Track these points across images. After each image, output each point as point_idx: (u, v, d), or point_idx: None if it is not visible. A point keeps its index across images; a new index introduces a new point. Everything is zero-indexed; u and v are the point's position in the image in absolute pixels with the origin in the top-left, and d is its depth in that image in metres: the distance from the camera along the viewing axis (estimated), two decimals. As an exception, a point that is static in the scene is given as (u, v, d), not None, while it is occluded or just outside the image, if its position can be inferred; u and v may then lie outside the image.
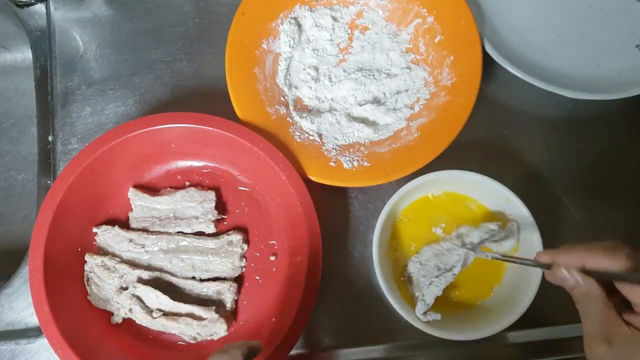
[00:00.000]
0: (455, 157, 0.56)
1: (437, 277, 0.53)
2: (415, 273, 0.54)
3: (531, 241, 0.53)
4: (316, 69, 0.63)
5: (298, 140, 0.58)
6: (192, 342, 0.54)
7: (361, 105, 0.61)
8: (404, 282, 0.55)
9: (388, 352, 0.56)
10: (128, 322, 0.55)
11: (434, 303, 0.52)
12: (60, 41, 0.65)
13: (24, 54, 0.73)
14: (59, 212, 0.52)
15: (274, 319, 0.53)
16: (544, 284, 0.51)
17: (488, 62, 0.60)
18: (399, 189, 0.54)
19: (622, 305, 0.39)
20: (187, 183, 0.59)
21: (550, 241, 0.53)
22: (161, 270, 0.55)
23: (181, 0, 0.66)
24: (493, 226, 0.53)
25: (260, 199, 0.58)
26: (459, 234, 0.54)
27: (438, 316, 0.52)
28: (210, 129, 0.54)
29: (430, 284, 0.52)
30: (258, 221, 0.58)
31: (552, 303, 0.57)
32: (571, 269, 0.41)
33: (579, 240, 0.59)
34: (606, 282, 0.39)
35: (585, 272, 0.40)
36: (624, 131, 0.63)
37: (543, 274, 0.51)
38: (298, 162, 0.56)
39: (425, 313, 0.52)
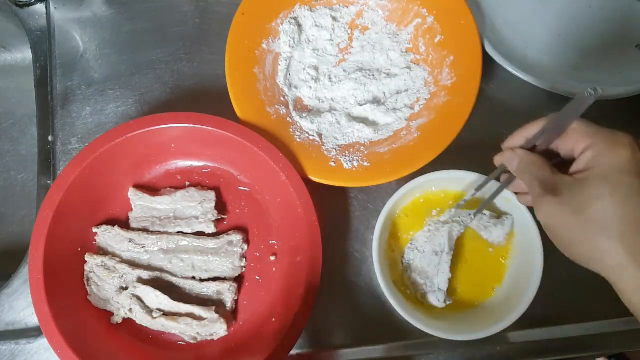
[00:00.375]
0: (455, 157, 0.56)
1: (439, 263, 0.53)
2: (416, 261, 0.55)
3: (531, 240, 0.53)
4: (316, 69, 0.63)
5: (298, 140, 0.58)
6: (192, 342, 0.54)
7: (361, 105, 0.61)
8: (403, 278, 0.55)
9: (388, 352, 0.56)
10: (128, 322, 0.55)
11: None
12: (60, 41, 0.65)
13: (24, 54, 0.73)
14: (59, 212, 0.52)
15: (274, 319, 0.53)
16: (544, 284, 0.52)
17: (488, 62, 0.60)
18: (399, 189, 0.54)
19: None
20: (187, 183, 0.59)
21: (550, 241, 0.52)
22: (161, 270, 0.55)
23: (181, 0, 0.66)
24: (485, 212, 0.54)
25: (260, 199, 0.58)
26: (450, 214, 0.55)
27: (450, 300, 0.54)
28: (210, 129, 0.54)
29: (438, 272, 0.53)
30: (258, 221, 0.58)
31: (552, 303, 0.57)
32: (515, 149, 0.44)
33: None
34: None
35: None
36: (623, 131, 0.63)
37: (543, 276, 0.51)
38: (298, 162, 0.56)
39: (444, 300, 0.53)
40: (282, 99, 0.62)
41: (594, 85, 0.41)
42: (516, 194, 0.50)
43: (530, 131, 0.44)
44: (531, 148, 0.44)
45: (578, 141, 0.40)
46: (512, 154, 0.44)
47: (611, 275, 0.37)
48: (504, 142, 0.46)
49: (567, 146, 0.41)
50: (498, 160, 0.47)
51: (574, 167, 0.40)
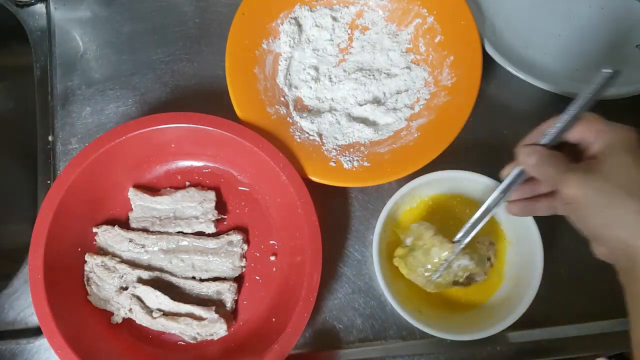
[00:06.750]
0: (455, 157, 0.56)
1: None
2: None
3: (531, 241, 0.53)
4: (316, 69, 0.63)
5: (298, 140, 0.58)
6: (192, 342, 0.54)
7: (361, 105, 0.61)
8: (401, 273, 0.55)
9: (388, 352, 0.56)
10: (128, 322, 0.55)
11: (433, 302, 0.53)
12: (60, 41, 0.65)
13: (24, 54, 0.73)
14: (59, 212, 0.52)
15: (274, 319, 0.53)
16: (544, 284, 0.52)
17: (488, 62, 0.60)
18: (399, 189, 0.54)
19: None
20: (187, 183, 0.59)
21: (549, 240, 0.53)
22: (161, 270, 0.55)
23: (181, 0, 0.66)
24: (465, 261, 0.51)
25: (260, 199, 0.58)
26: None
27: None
28: (210, 129, 0.54)
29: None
30: (258, 221, 0.58)
31: (552, 303, 0.57)
32: (531, 145, 0.44)
33: (579, 241, 0.59)
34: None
35: None
36: (624, 131, 0.63)
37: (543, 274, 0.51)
38: (298, 162, 0.56)
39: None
40: (282, 99, 0.62)
41: (608, 70, 0.43)
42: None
43: (543, 128, 0.44)
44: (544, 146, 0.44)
45: (589, 128, 0.42)
46: (530, 149, 0.44)
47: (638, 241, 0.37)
48: (517, 145, 0.45)
49: (576, 135, 0.43)
50: (509, 168, 0.47)
51: (591, 151, 0.42)
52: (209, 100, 0.62)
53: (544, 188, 0.46)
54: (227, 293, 0.54)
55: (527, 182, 0.47)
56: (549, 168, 0.42)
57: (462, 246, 0.50)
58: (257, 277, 0.57)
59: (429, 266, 0.51)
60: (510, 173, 0.47)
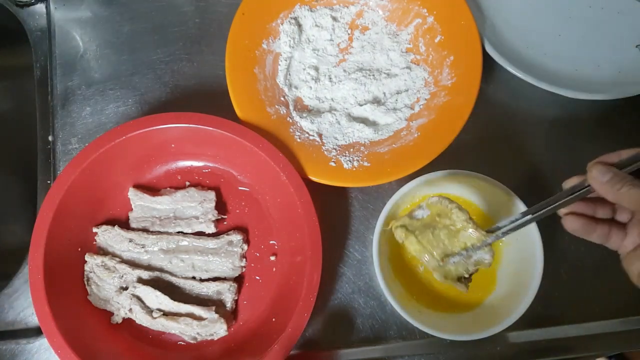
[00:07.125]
0: (455, 157, 0.56)
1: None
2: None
3: (531, 241, 0.53)
4: (316, 69, 0.63)
5: (298, 140, 0.58)
6: (192, 342, 0.54)
7: (361, 105, 0.61)
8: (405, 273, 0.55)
9: (388, 352, 0.56)
10: (128, 322, 0.55)
11: (433, 302, 0.53)
12: (60, 41, 0.65)
13: (24, 54, 0.73)
14: (59, 212, 0.52)
15: (274, 319, 0.53)
16: (544, 284, 0.52)
17: (488, 62, 0.60)
18: (399, 189, 0.54)
19: None
20: (187, 183, 0.59)
21: (550, 241, 0.53)
22: (161, 270, 0.55)
23: (181, 0, 0.66)
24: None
25: (260, 199, 0.58)
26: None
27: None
28: (210, 129, 0.54)
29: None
30: (258, 221, 0.58)
31: (552, 303, 0.57)
32: (607, 165, 0.41)
33: (579, 241, 0.59)
34: None
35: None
36: (624, 131, 0.63)
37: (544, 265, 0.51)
38: (298, 162, 0.56)
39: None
40: (282, 99, 0.62)
41: None
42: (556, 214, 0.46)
43: (622, 152, 0.42)
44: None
45: None
46: (606, 167, 0.40)
47: None
48: (591, 162, 0.42)
49: None
50: (574, 180, 0.44)
51: None
52: (209, 100, 0.62)
53: (602, 213, 0.44)
54: (227, 293, 0.54)
55: (583, 202, 0.44)
56: (632, 189, 0.39)
57: (496, 240, 0.46)
58: (257, 277, 0.57)
59: (450, 249, 0.47)
60: (573, 185, 0.43)
